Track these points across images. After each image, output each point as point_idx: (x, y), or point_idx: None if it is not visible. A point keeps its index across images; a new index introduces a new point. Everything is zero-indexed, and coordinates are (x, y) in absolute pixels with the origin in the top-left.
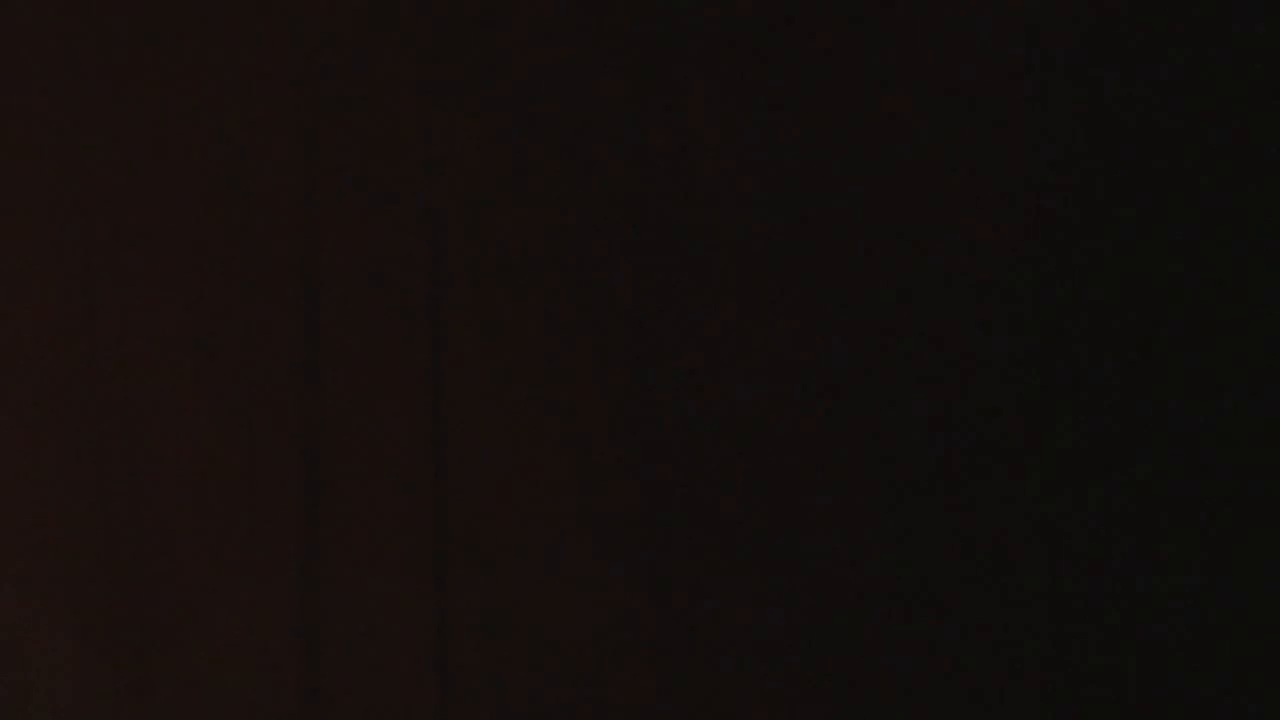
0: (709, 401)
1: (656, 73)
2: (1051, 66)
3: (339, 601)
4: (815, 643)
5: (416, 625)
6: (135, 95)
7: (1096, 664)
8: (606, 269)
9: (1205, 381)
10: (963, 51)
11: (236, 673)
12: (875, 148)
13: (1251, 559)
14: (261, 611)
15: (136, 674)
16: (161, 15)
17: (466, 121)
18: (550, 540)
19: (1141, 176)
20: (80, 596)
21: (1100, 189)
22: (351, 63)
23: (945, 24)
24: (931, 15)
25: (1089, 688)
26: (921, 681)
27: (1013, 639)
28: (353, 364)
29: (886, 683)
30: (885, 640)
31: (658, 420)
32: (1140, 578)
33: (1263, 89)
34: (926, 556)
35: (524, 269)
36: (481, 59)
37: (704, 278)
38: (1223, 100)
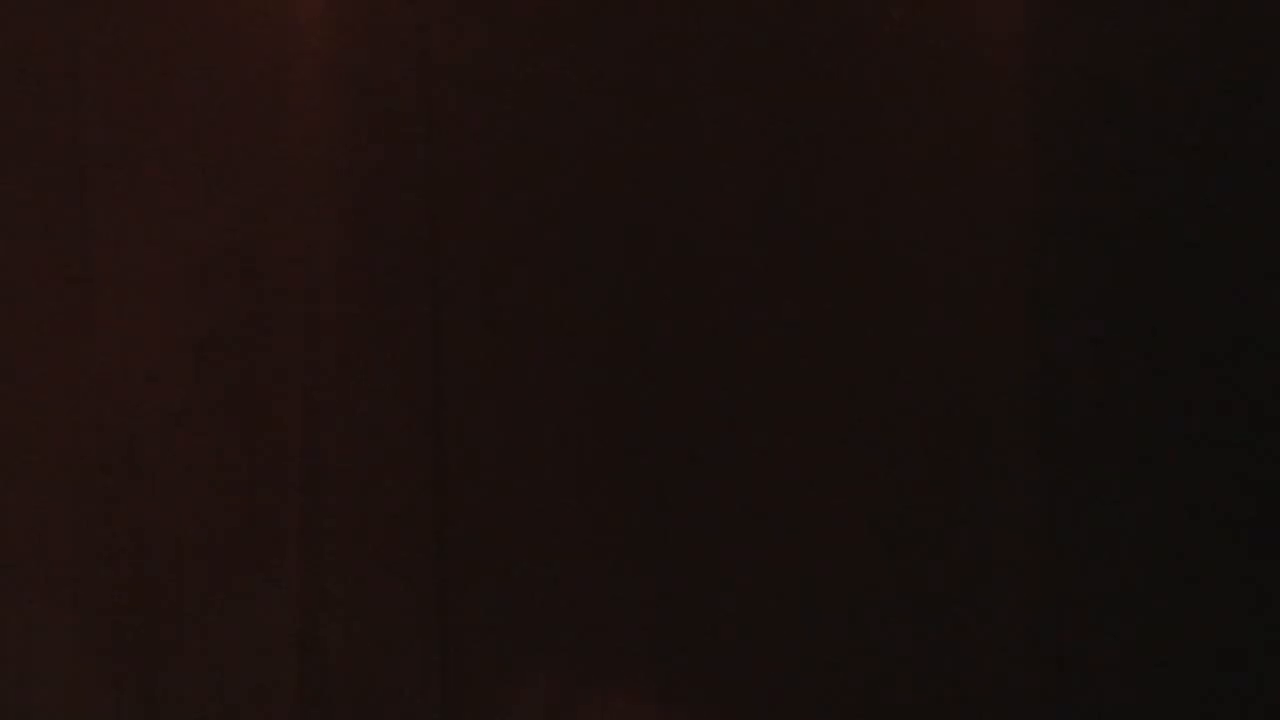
0: (710, 400)
1: (658, 76)
2: (1051, 69)
3: (339, 602)
4: (818, 641)
5: (416, 625)
6: (135, 92)
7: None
8: (607, 269)
9: (1207, 382)
10: (963, 57)
11: (238, 674)
12: (875, 149)
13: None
14: (262, 613)
15: (138, 674)
16: (161, 15)
17: (467, 122)
18: (550, 540)
19: (1144, 177)
20: (83, 601)
21: (1102, 190)
22: (351, 63)
23: (944, 30)
24: (931, 22)
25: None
26: (919, 672)
27: (1010, 638)
28: (352, 364)
29: (886, 676)
30: (885, 636)
31: (658, 419)
32: (1141, 578)
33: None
34: (925, 552)
35: (524, 268)
36: (483, 60)
37: (704, 277)
38: (1224, 102)
